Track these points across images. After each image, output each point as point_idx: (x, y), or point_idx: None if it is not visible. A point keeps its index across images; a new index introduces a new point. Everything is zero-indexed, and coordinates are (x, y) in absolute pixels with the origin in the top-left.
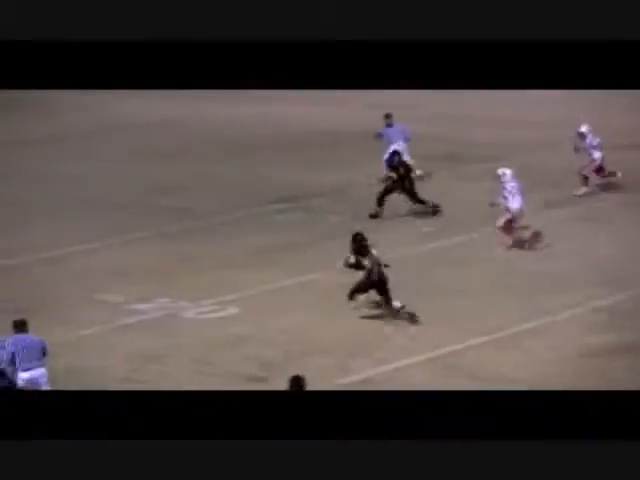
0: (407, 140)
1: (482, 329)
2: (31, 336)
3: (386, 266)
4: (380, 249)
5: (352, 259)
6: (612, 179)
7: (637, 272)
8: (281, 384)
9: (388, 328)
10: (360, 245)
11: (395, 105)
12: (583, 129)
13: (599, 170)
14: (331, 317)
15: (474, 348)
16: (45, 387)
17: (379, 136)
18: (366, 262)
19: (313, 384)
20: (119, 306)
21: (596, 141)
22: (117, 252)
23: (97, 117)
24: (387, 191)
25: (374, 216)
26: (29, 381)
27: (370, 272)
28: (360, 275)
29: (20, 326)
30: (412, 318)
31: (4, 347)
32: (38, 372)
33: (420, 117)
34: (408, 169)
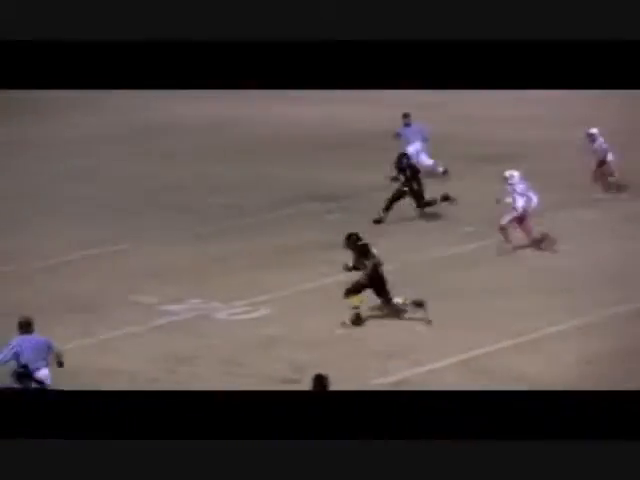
0: (425, 140)
1: (513, 331)
2: (36, 336)
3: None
4: (404, 252)
5: (351, 263)
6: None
7: None
8: None
9: (422, 329)
10: (356, 246)
11: (431, 105)
12: (593, 131)
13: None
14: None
15: (505, 350)
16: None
17: (398, 136)
18: (367, 262)
19: (347, 385)
20: (152, 307)
21: (606, 144)
22: (150, 253)
23: (130, 118)
24: (396, 196)
25: (378, 221)
26: (38, 381)
27: (369, 272)
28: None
29: (25, 326)
30: (420, 305)
31: (12, 347)
32: (43, 373)
33: (451, 117)
34: (416, 171)
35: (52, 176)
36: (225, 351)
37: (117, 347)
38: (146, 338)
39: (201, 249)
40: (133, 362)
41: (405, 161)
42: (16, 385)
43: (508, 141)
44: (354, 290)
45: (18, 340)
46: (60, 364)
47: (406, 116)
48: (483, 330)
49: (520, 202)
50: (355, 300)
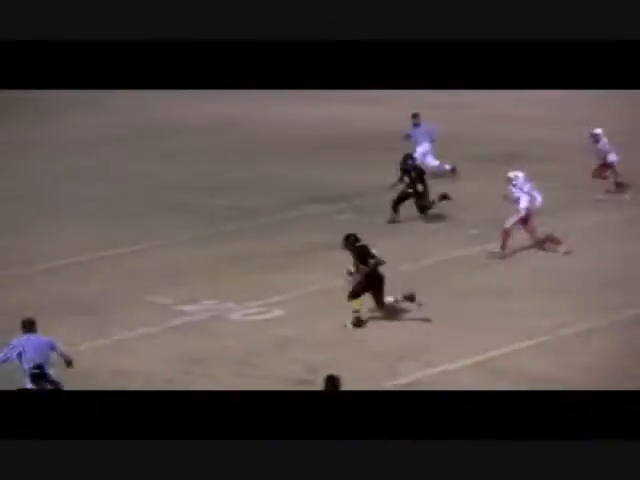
0: (432, 141)
1: (523, 332)
2: (39, 336)
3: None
4: (423, 252)
5: (352, 268)
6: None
7: None
8: None
9: (435, 330)
10: (355, 247)
11: (446, 105)
12: (597, 131)
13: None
14: (378, 319)
15: (519, 351)
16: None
17: (408, 137)
18: (369, 262)
19: (360, 387)
20: (167, 308)
21: (608, 144)
22: (164, 254)
23: (146, 117)
24: (402, 197)
25: (392, 221)
26: (50, 383)
27: (370, 272)
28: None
29: (28, 326)
30: (411, 298)
31: (13, 347)
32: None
33: (457, 117)
34: (421, 173)
35: (58, 176)
36: (239, 352)
37: (131, 348)
38: (161, 339)
39: (214, 250)
40: (148, 363)
41: (410, 162)
42: (31, 387)
43: (514, 141)
44: (357, 292)
45: (21, 339)
46: (69, 364)
47: (415, 116)
48: (493, 331)
49: (524, 203)
50: (355, 304)
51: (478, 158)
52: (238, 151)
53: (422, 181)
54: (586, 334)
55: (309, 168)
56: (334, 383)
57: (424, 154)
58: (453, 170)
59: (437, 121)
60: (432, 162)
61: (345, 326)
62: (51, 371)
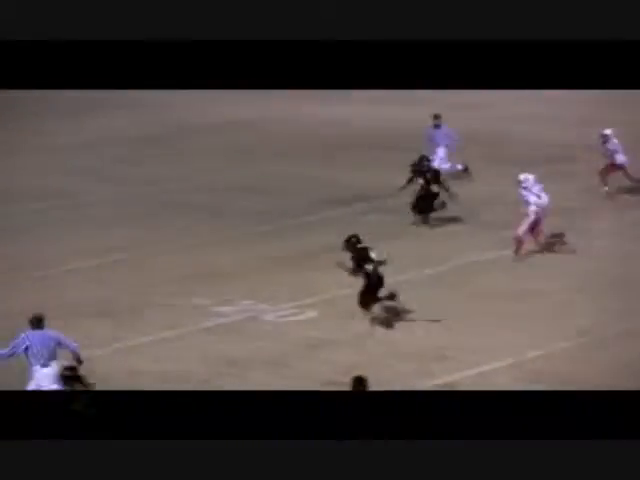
0: (451, 144)
1: (559, 333)
2: (47, 332)
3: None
4: (457, 254)
5: (351, 267)
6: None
7: None
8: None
9: (469, 331)
10: (356, 249)
11: (470, 105)
12: (607, 131)
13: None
14: (412, 320)
15: (553, 352)
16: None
17: (429, 138)
18: (368, 266)
19: (395, 388)
20: (204, 309)
21: (619, 145)
22: (194, 255)
23: (178, 117)
24: (420, 199)
25: (425, 221)
26: (50, 377)
27: (370, 275)
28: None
29: (36, 322)
30: (392, 297)
31: (20, 341)
32: (56, 368)
33: (487, 118)
34: (437, 174)
35: (82, 176)
36: (273, 353)
37: (167, 349)
38: (195, 340)
39: (245, 252)
40: (183, 364)
41: (426, 163)
42: (62, 387)
43: (539, 143)
44: (370, 299)
45: (28, 334)
46: (79, 361)
47: (437, 117)
48: (524, 333)
49: (533, 207)
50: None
51: (510, 161)
52: (262, 152)
53: (438, 182)
54: (624, 335)
55: (328, 169)
56: (362, 384)
57: (445, 156)
58: (465, 169)
59: (467, 121)
60: (444, 165)
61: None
62: (58, 366)
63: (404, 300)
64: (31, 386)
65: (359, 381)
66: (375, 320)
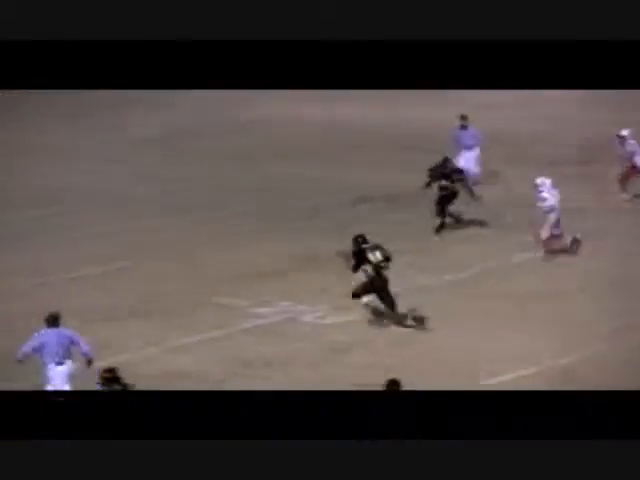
0: (477, 145)
1: (593, 335)
2: (63, 331)
3: (387, 261)
4: (479, 258)
5: (352, 264)
6: None
7: None
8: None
9: (502, 333)
10: (360, 248)
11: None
12: (624, 132)
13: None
14: (444, 324)
15: (588, 356)
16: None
17: (455, 139)
18: (367, 268)
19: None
20: (242, 310)
21: (637, 146)
22: (230, 255)
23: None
24: (444, 201)
25: (442, 226)
26: (64, 375)
27: (372, 275)
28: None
29: (52, 320)
30: (420, 322)
31: (36, 339)
32: (70, 366)
33: (509, 118)
34: (460, 174)
35: (108, 176)
36: (311, 355)
37: (204, 350)
38: (233, 341)
39: (281, 252)
40: (220, 365)
41: (449, 165)
42: (101, 388)
43: (559, 144)
44: (360, 293)
45: (43, 333)
46: (89, 362)
47: (464, 118)
48: (558, 335)
49: (552, 210)
50: (364, 299)
51: (519, 160)
52: (291, 151)
53: (461, 181)
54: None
55: (356, 168)
56: (395, 387)
57: (470, 159)
58: (477, 183)
59: (493, 121)
60: (474, 169)
61: (369, 322)
62: (71, 365)
63: (427, 305)
64: (47, 387)
65: (393, 384)
66: (408, 324)
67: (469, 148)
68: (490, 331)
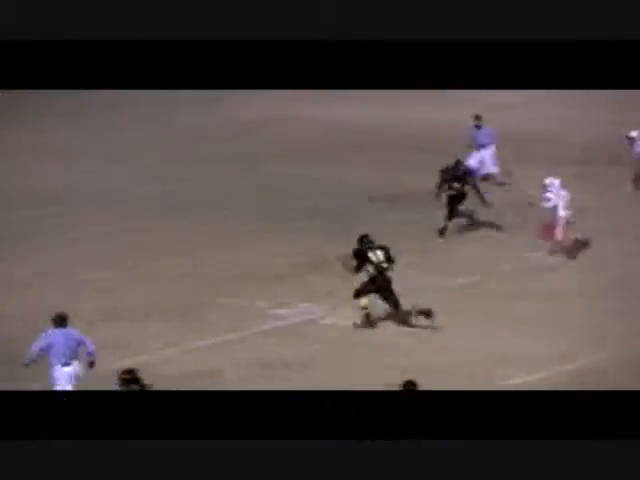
0: (492, 143)
1: (615, 334)
2: (70, 331)
3: (390, 261)
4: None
5: (353, 263)
6: None
7: None
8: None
9: (527, 333)
10: (362, 248)
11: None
12: (633, 134)
13: None
14: (465, 325)
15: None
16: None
17: (471, 139)
18: (369, 268)
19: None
20: (262, 311)
21: None
22: (258, 256)
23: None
24: (453, 202)
25: (445, 228)
26: (70, 376)
27: (374, 276)
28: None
29: (59, 321)
30: (428, 315)
31: (43, 339)
32: (77, 367)
33: (524, 118)
34: (473, 176)
35: (128, 176)
36: (332, 356)
37: (223, 351)
38: (252, 342)
39: (306, 251)
40: (239, 366)
41: (462, 168)
42: (120, 389)
43: (569, 144)
44: (361, 292)
45: (50, 333)
46: (91, 364)
47: (478, 118)
48: (580, 334)
49: (562, 211)
50: (363, 301)
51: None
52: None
53: (474, 186)
54: None
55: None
56: (412, 388)
57: (486, 158)
58: (501, 184)
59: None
60: (493, 169)
61: (354, 324)
62: (77, 366)
63: (438, 307)
64: (54, 387)
65: (410, 385)
66: (363, 315)
67: (484, 146)
68: (497, 331)
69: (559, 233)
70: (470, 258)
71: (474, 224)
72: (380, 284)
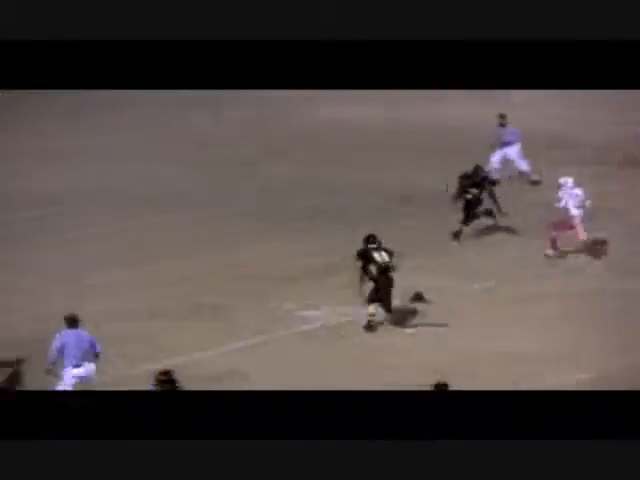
0: (517, 141)
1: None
2: (81, 332)
3: (392, 268)
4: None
5: (359, 263)
6: None
7: None
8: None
9: (546, 335)
10: (367, 248)
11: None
12: None
13: None
14: (498, 326)
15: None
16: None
17: (498, 138)
18: (372, 269)
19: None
20: (290, 313)
21: None
22: (288, 258)
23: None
24: (469, 207)
25: (457, 235)
26: (81, 377)
27: (375, 276)
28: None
29: (71, 322)
30: (420, 298)
31: (57, 341)
32: (88, 369)
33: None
34: (493, 183)
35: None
36: (359, 358)
37: (254, 353)
38: (283, 344)
39: (333, 252)
40: (266, 368)
41: (481, 174)
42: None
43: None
44: (373, 296)
45: (63, 333)
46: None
47: (502, 116)
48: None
49: (576, 210)
50: (371, 309)
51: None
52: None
53: (491, 192)
54: None
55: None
56: (442, 389)
57: (511, 156)
58: (536, 182)
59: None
60: (523, 166)
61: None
62: (93, 366)
63: (458, 308)
64: (59, 387)
65: (441, 386)
66: (368, 321)
67: (509, 144)
68: (515, 334)
69: (581, 232)
70: (485, 261)
71: (489, 227)
72: (382, 285)
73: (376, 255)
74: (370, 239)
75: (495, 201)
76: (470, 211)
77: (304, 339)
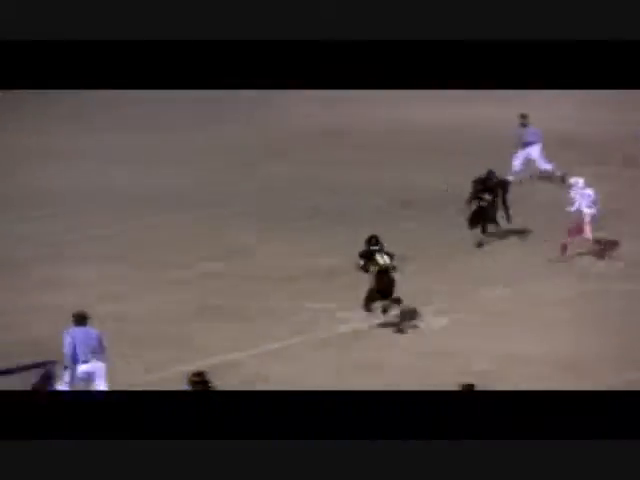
0: (538, 141)
1: None
2: (90, 329)
3: (394, 268)
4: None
5: (361, 263)
6: None
7: None
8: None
9: (592, 339)
10: (369, 249)
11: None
12: None
13: None
14: (528, 329)
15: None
16: (101, 381)
17: (519, 138)
18: (372, 268)
19: None
20: (330, 313)
21: None
22: (308, 259)
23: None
24: (480, 213)
25: (480, 245)
26: (88, 374)
27: (378, 276)
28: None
29: (79, 319)
30: (398, 302)
31: (67, 338)
32: (96, 365)
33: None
34: (506, 187)
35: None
36: (404, 360)
37: (289, 355)
38: (320, 346)
39: (335, 253)
40: (305, 370)
41: (495, 179)
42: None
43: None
44: (369, 299)
45: (71, 331)
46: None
47: (524, 117)
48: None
49: (587, 209)
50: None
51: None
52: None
53: (504, 197)
54: None
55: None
56: (470, 389)
57: (533, 156)
58: (563, 179)
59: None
60: (546, 165)
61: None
62: (101, 364)
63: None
64: (63, 386)
65: (469, 387)
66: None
67: (531, 144)
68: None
69: (588, 231)
70: (498, 265)
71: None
72: (382, 286)
73: (378, 257)
74: (372, 240)
75: (507, 207)
76: (486, 218)
77: (345, 339)
